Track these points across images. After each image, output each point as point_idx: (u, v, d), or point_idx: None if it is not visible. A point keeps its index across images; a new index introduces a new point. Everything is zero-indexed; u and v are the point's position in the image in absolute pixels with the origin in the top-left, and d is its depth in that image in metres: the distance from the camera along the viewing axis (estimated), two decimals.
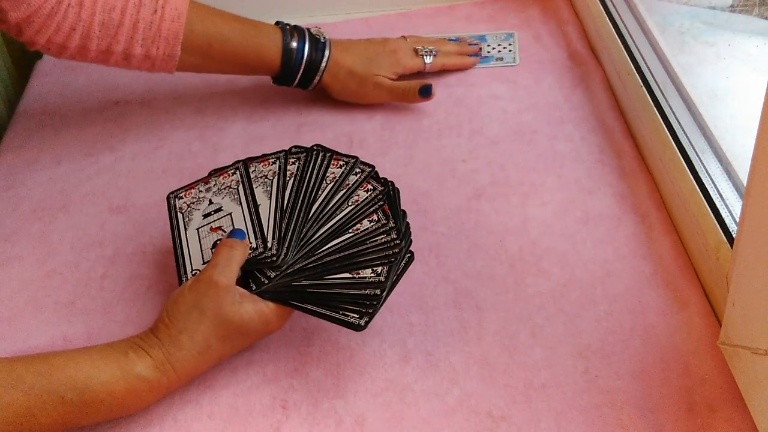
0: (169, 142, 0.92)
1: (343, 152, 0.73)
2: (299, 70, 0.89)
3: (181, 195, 0.74)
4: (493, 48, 1.03)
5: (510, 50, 1.03)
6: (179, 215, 0.72)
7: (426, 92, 0.90)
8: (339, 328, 0.69)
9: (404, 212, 0.69)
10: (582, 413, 0.61)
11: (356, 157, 0.72)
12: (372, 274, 0.64)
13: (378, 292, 0.63)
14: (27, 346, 0.70)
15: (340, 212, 0.68)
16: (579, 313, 0.69)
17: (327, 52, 0.89)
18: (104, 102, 1.00)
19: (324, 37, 0.90)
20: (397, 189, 0.71)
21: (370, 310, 0.62)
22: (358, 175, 0.71)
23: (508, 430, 0.61)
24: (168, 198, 0.75)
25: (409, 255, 0.67)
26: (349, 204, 0.69)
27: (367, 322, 0.62)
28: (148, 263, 0.77)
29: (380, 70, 0.91)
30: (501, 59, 1.01)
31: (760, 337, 0.55)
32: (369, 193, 0.69)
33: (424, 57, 0.95)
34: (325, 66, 0.89)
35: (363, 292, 0.63)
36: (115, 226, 0.82)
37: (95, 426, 0.62)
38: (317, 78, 0.90)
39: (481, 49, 1.02)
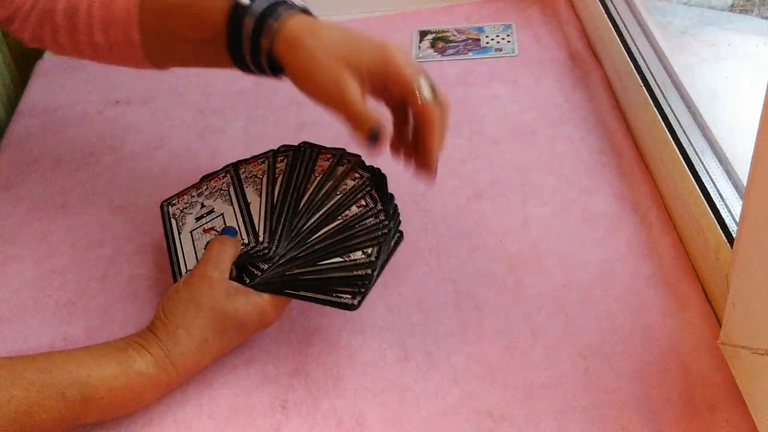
0: (169, 142, 0.92)
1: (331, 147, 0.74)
2: (244, 28, 0.65)
3: (173, 202, 0.75)
4: (492, 39, 1.04)
5: (509, 41, 1.03)
6: (172, 221, 0.73)
7: (374, 137, 0.62)
8: (339, 329, 0.69)
9: (392, 195, 0.69)
10: (582, 413, 0.61)
11: (343, 149, 0.73)
12: (363, 256, 0.65)
13: (369, 271, 0.64)
14: (27, 346, 0.70)
15: (329, 201, 0.69)
16: (579, 313, 0.69)
17: (288, 13, 0.65)
18: (104, 102, 1.00)
19: (299, 3, 0.68)
20: (384, 174, 0.71)
21: (362, 290, 0.63)
22: (345, 166, 0.71)
23: (508, 430, 0.61)
24: (161, 206, 0.75)
25: (398, 235, 0.68)
26: (338, 193, 0.69)
27: (360, 301, 0.63)
28: (148, 263, 0.77)
29: (355, 61, 0.63)
30: (500, 50, 1.02)
31: (760, 337, 0.55)
32: (356, 181, 0.70)
33: (423, 88, 0.64)
34: (279, 25, 0.64)
35: (355, 273, 0.64)
36: (115, 226, 0.82)
37: (95, 425, 0.62)
38: (265, 40, 0.64)
39: (480, 40, 1.03)
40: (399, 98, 0.65)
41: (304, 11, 0.66)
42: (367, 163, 0.72)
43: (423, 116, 0.64)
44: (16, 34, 0.78)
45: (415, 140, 0.66)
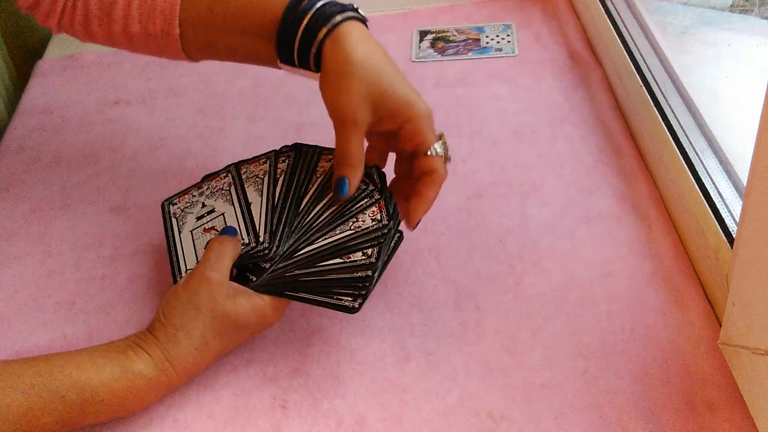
0: (169, 142, 0.92)
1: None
2: (304, 19, 0.66)
3: (174, 201, 0.75)
4: (492, 39, 1.04)
5: (509, 41, 1.03)
6: (173, 220, 0.73)
7: (340, 187, 0.67)
8: (339, 329, 0.69)
9: (391, 194, 0.69)
10: (582, 413, 0.61)
11: None
12: (363, 257, 0.64)
13: (370, 273, 0.63)
14: (27, 346, 0.70)
15: (330, 201, 0.69)
16: (579, 313, 0.69)
17: (351, 14, 0.67)
18: (104, 102, 1.00)
19: (359, 11, 0.69)
20: (383, 172, 0.71)
21: (363, 292, 0.63)
22: None
23: (508, 430, 0.61)
24: (162, 205, 0.75)
25: (398, 235, 0.67)
26: None
27: (360, 304, 0.63)
28: (148, 263, 0.77)
29: (380, 104, 0.65)
30: (500, 50, 1.02)
31: (760, 337, 0.55)
32: None
33: (436, 148, 0.67)
34: (340, 21, 0.65)
35: (355, 275, 0.64)
36: (115, 227, 0.82)
37: (96, 426, 0.62)
38: (321, 35, 0.65)
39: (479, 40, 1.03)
40: (408, 149, 0.68)
41: (362, 21, 0.68)
42: (369, 164, 0.72)
43: (429, 170, 0.67)
44: (43, 21, 0.77)
45: (406, 187, 0.69)
